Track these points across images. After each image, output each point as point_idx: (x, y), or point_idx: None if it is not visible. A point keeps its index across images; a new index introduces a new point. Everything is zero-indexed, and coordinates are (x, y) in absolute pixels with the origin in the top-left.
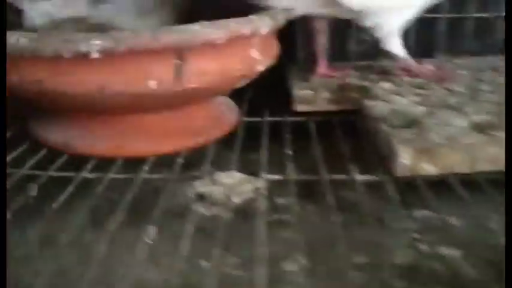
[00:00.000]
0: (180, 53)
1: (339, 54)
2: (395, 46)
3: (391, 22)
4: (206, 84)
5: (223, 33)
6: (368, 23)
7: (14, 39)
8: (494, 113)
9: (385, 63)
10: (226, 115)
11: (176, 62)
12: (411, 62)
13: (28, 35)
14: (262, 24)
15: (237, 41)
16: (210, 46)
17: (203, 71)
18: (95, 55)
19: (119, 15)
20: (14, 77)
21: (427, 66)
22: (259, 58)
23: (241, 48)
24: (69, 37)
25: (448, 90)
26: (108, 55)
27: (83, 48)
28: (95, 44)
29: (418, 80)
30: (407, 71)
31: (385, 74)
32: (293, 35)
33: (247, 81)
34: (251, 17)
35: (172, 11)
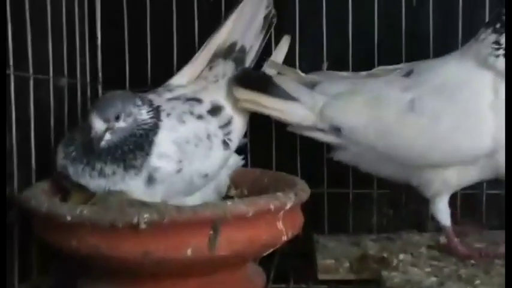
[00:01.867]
0: (214, 225)
1: (359, 227)
2: (441, 211)
3: (446, 178)
4: (235, 252)
5: (252, 208)
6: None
7: (79, 211)
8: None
9: (406, 235)
10: (253, 281)
11: (211, 232)
12: (451, 235)
13: (90, 208)
14: (288, 201)
15: (264, 215)
16: (240, 219)
17: (233, 240)
18: (143, 226)
19: (167, 196)
20: (73, 241)
21: (465, 247)
22: (285, 229)
23: (268, 221)
24: (124, 210)
25: (463, 262)
26: (154, 226)
27: (134, 220)
28: (144, 217)
29: (435, 252)
30: (447, 245)
31: (405, 245)
32: (319, 206)
33: (273, 249)
34: (278, 194)
35: (214, 191)
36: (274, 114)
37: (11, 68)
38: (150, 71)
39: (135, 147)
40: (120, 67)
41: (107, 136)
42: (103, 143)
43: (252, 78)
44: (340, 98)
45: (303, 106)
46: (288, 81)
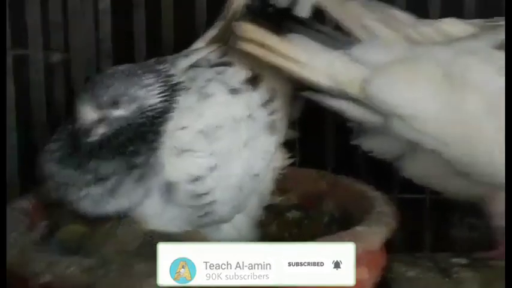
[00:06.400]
0: None
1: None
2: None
3: None
4: None
5: None
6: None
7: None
8: None
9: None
10: None
11: None
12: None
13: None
14: (376, 240)
15: None
16: None
17: None
18: None
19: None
20: None
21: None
22: (368, 277)
23: None
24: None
25: None
26: None
27: None
28: None
29: None
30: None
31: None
32: None
33: None
34: (359, 229)
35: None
36: (289, 66)
37: None
38: (174, 36)
39: (136, 136)
40: (130, 33)
41: (100, 129)
42: (92, 139)
43: (266, 12)
44: (393, 69)
45: (331, 71)
46: (309, 35)
